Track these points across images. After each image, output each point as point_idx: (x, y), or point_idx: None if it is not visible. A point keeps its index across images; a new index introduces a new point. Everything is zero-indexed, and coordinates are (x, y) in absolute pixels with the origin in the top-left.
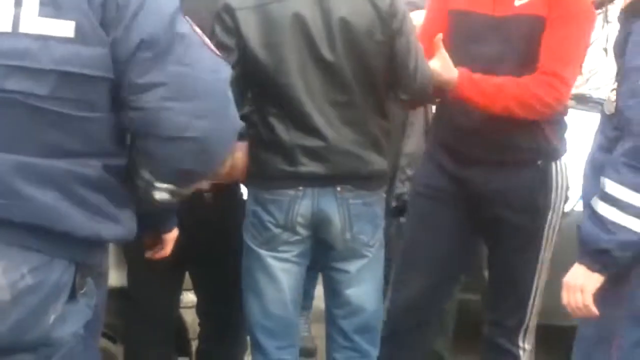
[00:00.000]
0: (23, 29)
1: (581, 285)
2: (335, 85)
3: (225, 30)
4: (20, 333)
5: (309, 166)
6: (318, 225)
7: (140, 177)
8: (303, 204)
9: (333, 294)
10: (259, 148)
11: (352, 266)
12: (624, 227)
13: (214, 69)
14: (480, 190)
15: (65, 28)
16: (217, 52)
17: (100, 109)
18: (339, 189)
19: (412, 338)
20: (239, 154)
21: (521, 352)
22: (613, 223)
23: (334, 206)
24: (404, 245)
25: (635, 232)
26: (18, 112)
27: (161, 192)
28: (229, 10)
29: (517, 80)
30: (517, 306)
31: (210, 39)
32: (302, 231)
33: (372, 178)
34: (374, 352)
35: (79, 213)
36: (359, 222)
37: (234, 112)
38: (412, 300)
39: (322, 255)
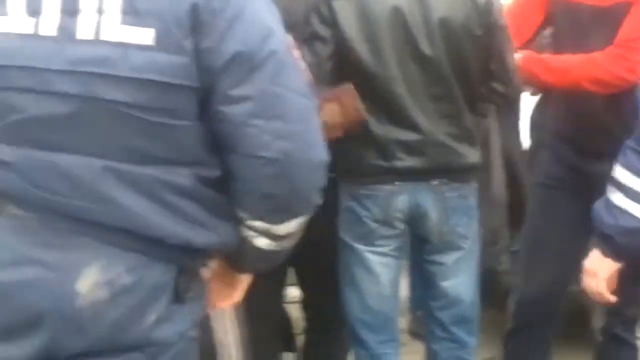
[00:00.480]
0: (104, 36)
1: (596, 271)
2: (433, 79)
3: (322, 21)
4: (118, 332)
5: (406, 161)
6: (415, 219)
7: (239, 221)
8: (400, 198)
9: (430, 286)
10: (351, 143)
11: (449, 258)
12: (626, 212)
13: (304, 94)
14: (598, 179)
15: (145, 35)
16: (308, 80)
17: (185, 117)
18: (434, 182)
19: (541, 331)
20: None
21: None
22: (617, 207)
23: (430, 200)
24: (527, 236)
25: (636, 218)
26: (104, 118)
27: (260, 237)
28: (327, 1)
29: (587, 55)
30: (636, 295)
31: (306, 30)
32: (399, 225)
33: (467, 170)
34: (472, 342)
35: (168, 220)
36: (455, 214)
37: (320, 143)
38: (542, 292)
39: (418, 248)
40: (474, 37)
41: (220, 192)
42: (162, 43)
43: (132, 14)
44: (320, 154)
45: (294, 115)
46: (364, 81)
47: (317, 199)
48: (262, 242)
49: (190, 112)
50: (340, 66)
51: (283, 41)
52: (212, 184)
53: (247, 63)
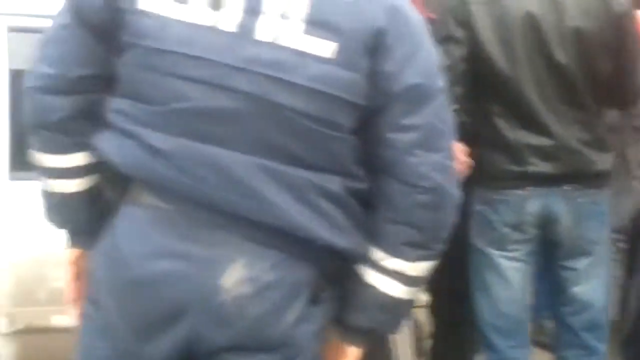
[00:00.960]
0: (284, 41)
1: None
2: (566, 86)
3: (457, 22)
4: (261, 329)
5: (538, 166)
6: (546, 224)
7: (371, 265)
8: (532, 203)
9: (560, 291)
10: (484, 147)
11: (580, 263)
12: None
13: (453, 132)
14: None
15: (326, 48)
16: None
17: (344, 130)
18: (567, 187)
19: None
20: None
21: None
22: None
23: (562, 205)
24: None
25: None
26: (268, 119)
27: (390, 280)
28: (463, 3)
29: None
30: None
31: (440, 31)
32: (531, 230)
33: (599, 176)
34: (602, 348)
35: (314, 221)
36: (587, 220)
37: (457, 182)
38: None
39: (549, 254)
40: (607, 49)
41: (362, 204)
42: (341, 58)
43: (317, 25)
44: (459, 192)
45: (449, 150)
46: (497, 84)
47: (447, 241)
48: (392, 287)
49: (350, 126)
50: (473, 69)
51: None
52: (357, 196)
53: (422, 95)
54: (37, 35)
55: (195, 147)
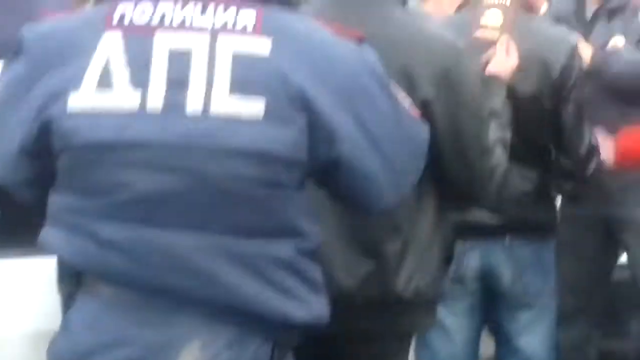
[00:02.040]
0: (214, 110)
1: None
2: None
3: None
4: None
5: (477, 216)
6: (488, 277)
7: None
8: (472, 256)
9: (504, 343)
10: None
11: (523, 316)
12: None
13: None
14: None
15: (254, 108)
16: None
17: (290, 188)
18: (508, 239)
19: None
20: None
21: None
22: None
23: (503, 257)
24: None
25: None
26: (210, 192)
27: None
28: None
29: None
30: None
31: None
32: (472, 284)
33: (541, 227)
34: None
35: (268, 293)
36: (529, 272)
37: None
38: None
39: (491, 306)
40: (543, 110)
41: (315, 262)
42: (271, 116)
43: (242, 87)
44: None
45: None
46: None
47: None
48: None
49: (295, 182)
50: None
51: None
52: (309, 255)
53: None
54: None
55: (144, 233)
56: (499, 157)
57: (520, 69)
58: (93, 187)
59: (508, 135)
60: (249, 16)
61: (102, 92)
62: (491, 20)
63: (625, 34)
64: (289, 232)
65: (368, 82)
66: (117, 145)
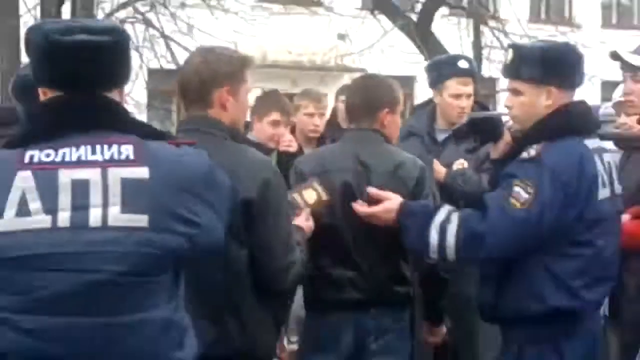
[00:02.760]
0: (110, 223)
1: None
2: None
3: None
4: None
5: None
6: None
7: None
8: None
9: None
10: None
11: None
12: None
13: None
14: None
15: (140, 220)
16: None
17: (163, 275)
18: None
19: None
20: None
21: None
22: None
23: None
24: None
25: None
26: (107, 285)
27: None
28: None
29: None
30: None
31: None
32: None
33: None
34: None
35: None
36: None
37: None
38: None
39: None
40: None
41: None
42: (154, 225)
43: (130, 205)
44: None
45: None
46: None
47: None
48: None
49: (164, 272)
50: None
51: None
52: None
53: None
54: None
55: (57, 321)
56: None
57: (385, 183)
58: (16, 288)
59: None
60: (127, 146)
61: (21, 217)
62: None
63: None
64: (160, 306)
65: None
66: (31, 258)
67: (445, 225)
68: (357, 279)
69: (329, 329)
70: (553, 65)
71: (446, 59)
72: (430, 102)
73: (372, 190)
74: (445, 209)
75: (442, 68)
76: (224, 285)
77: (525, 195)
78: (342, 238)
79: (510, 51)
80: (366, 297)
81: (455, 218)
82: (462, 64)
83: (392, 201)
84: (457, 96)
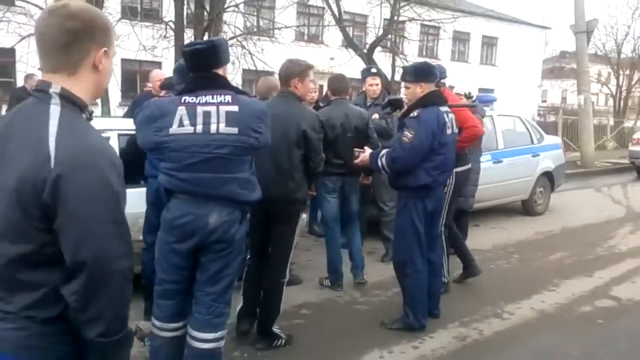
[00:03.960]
0: (221, 131)
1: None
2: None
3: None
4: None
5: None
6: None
7: None
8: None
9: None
10: None
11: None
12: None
13: None
14: None
15: (233, 130)
16: None
17: (245, 156)
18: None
19: None
20: None
21: None
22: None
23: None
24: None
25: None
26: (219, 160)
27: None
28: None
29: None
30: None
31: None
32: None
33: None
34: None
35: (241, 191)
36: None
37: None
38: None
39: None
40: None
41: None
42: (241, 133)
43: (229, 123)
44: None
45: None
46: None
47: None
48: None
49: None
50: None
51: None
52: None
53: None
54: None
55: (197, 175)
56: None
57: (356, 122)
58: (175, 159)
59: None
60: (228, 96)
61: (179, 128)
62: None
63: (378, 113)
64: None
65: None
66: (184, 148)
67: (382, 157)
68: (339, 164)
69: (331, 183)
70: (421, 73)
71: (366, 68)
72: (363, 90)
73: (359, 150)
74: (383, 151)
75: (364, 73)
76: (287, 164)
77: (410, 135)
78: (340, 148)
79: (403, 69)
80: (342, 171)
81: (385, 153)
82: (373, 70)
83: (367, 152)
84: (371, 85)
